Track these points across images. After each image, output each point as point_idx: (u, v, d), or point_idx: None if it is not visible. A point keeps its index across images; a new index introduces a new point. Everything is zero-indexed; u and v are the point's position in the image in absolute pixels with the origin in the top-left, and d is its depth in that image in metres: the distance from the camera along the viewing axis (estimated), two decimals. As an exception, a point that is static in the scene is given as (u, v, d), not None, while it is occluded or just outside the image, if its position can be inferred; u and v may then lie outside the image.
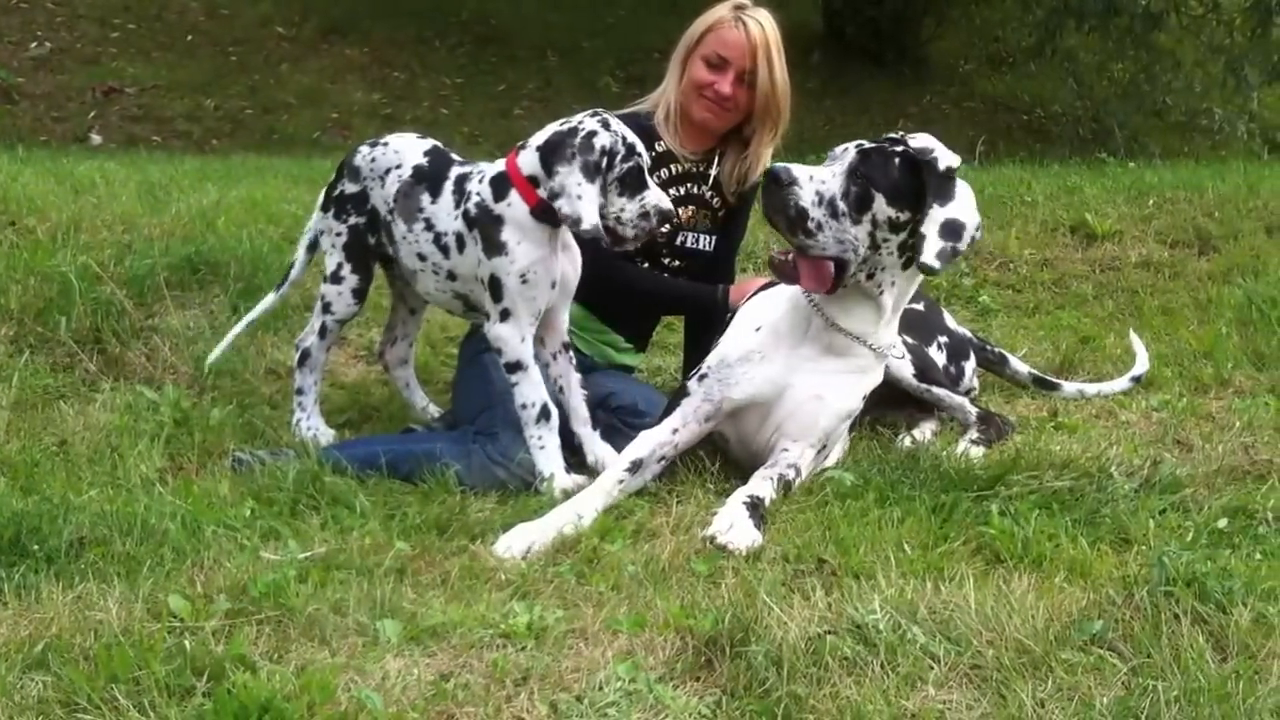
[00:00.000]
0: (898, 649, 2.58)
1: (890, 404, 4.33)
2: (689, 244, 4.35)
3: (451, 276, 3.91)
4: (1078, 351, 5.04)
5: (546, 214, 3.72)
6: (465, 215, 3.83)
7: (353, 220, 4.06)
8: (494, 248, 3.74)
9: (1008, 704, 2.45)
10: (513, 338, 3.75)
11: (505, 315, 3.75)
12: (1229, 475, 3.75)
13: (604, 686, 2.49)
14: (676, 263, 4.35)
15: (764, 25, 4.21)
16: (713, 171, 4.35)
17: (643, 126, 4.18)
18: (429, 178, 3.95)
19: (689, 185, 4.34)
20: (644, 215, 3.71)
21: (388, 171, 4.01)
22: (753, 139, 4.33)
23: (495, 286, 3.75)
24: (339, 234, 4.08)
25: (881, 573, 2.96)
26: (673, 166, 4.30)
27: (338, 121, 11.68)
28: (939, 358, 4.40)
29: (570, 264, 3.88)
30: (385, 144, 4.10)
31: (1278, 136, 12.11)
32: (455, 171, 3.95)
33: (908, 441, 4.15)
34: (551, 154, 3.71)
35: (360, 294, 4.12)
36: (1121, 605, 2.78)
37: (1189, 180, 7.09)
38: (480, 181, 3.83)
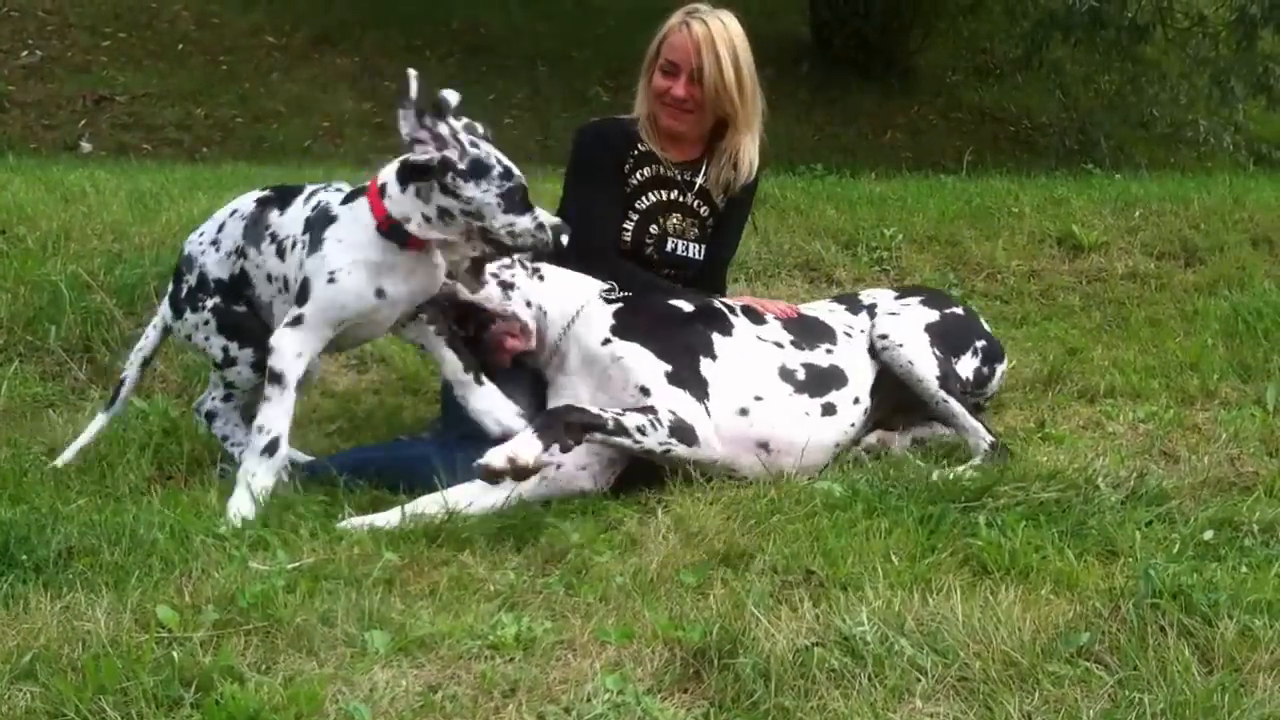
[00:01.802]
0: (885, 661, 2.59)
1: (901, 408, 4.30)
2: (679, 251, 4.37)
3: (286, 287, 3.76)
4: (1065, 362, 5.05)
5: (395, 231, 3.61)
6: (305, 220, 3.72)
7: (210, 303, 3.86)
8: (315, 245, 3.63)
9: (995, 716, 2.46)
10: (290, 347, 3.59)
11: (297, 321, 3.60)
12: (1215, 487, 3.76)
13: (592, 698, 2.49)
14: (666, 270, 4.37)
15: (709, 23, 4.22)
16: (699, 180, 4.37)
17: (626, 132, 4.32)
18: (277, 199, 3.86)
19: (673, 193, 4.36)
20: (539, 228, 3.64)
21: (220, 228, 3.90)
22: (727, 139, 4.35)
23: (303, 288, 3.62)
24: (205, 323, 3.86)
25: (869, 584, 2.96)
26: (653, 167, 4.34)
27: (328, 130, 11.68)
28: (970, 363, 4.32)
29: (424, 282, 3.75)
30: (207, 221, 4.01)
31: (1263, 149, 12.16)
32: (309, 189, 3.86)
33: (873, 439, 4.16)
34: (409, 174, 3.62)
35: (260, 365, 3.76)
36: (1108, 617, 2.79)
37: (1175, 192, 7.12)
38: (334, 192, 3.78)
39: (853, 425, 4.11)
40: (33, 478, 3.67)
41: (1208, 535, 3.33)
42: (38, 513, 3.25)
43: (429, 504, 3.54)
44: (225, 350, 3.86)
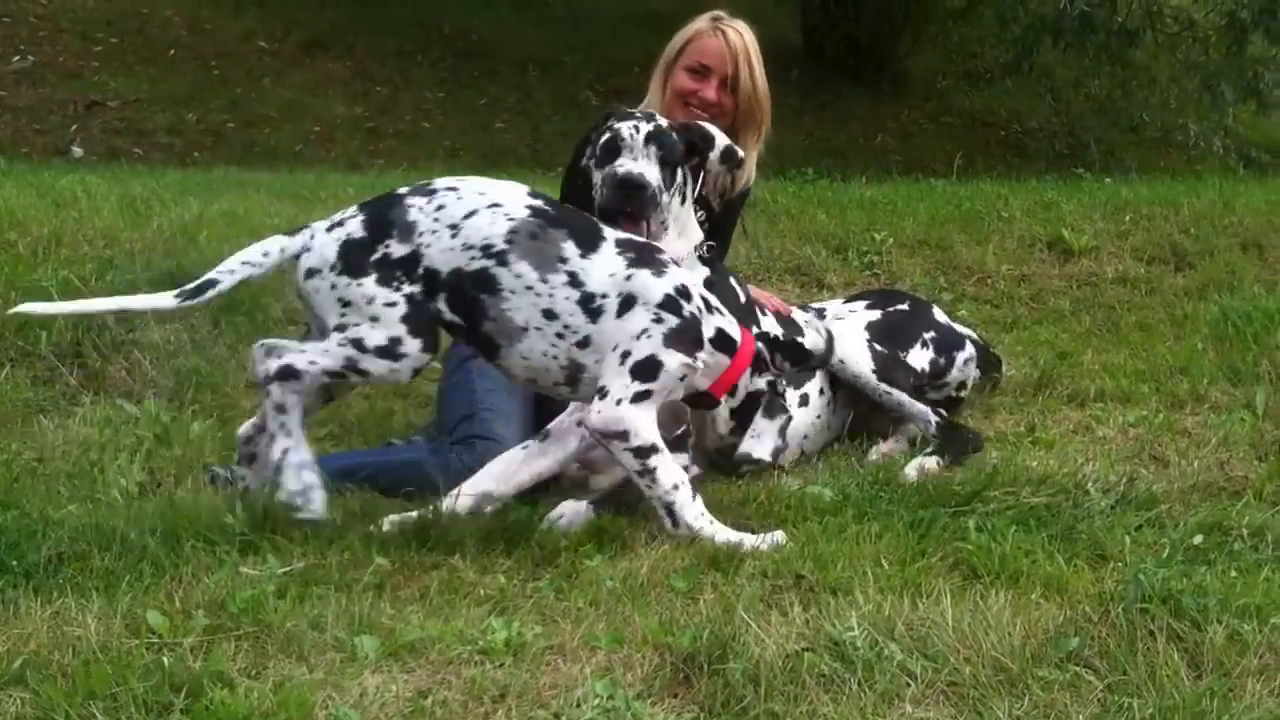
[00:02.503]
0: (875, 666, 2.59)
1: (859, 415, 4.44)
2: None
3: (582, 341, 3.48)
4: (1055, 367, 5.07)
5: None
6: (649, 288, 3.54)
7: (408, 290, 3.41)
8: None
9: (984, 721, 2.47)
10: (648, 421, 3.44)
11: (644, 397, 3.46)
12: (1205, 491, 3.77)
13: (582, 704, 2.49)
14: None
15: (742, 34, 4.34)
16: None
17: None
18: (572, 232, 3.52)
19: None
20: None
21: (469, 215, 3.48)
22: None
23: (648, 363, 3.47)
24: (389, 304, 3.39)
25: (859, 589, 2.96)
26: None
27: (320, 135, 11.66)
28: (922, 355, 4.45)
29: None
30: (433, 192, 3.54)
31: (1253, 152, 12.18)
32: (613, 235, 3.58)
33: (874, 456, 4.21)
34: None
35: (416, 372, 3.49)
36: (1097, 622, 2.79)
37: (1165, 196, 7.13)
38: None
39: (819, 417, 4.30)
40: (23, 483, 3.67)
41: (1197, 540, 3.34)
42: (28, 518, 3.24)
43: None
44: (394, 341, 3.40)
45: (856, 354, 4.32)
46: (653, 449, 3.39)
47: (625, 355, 3.39)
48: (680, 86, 4.33)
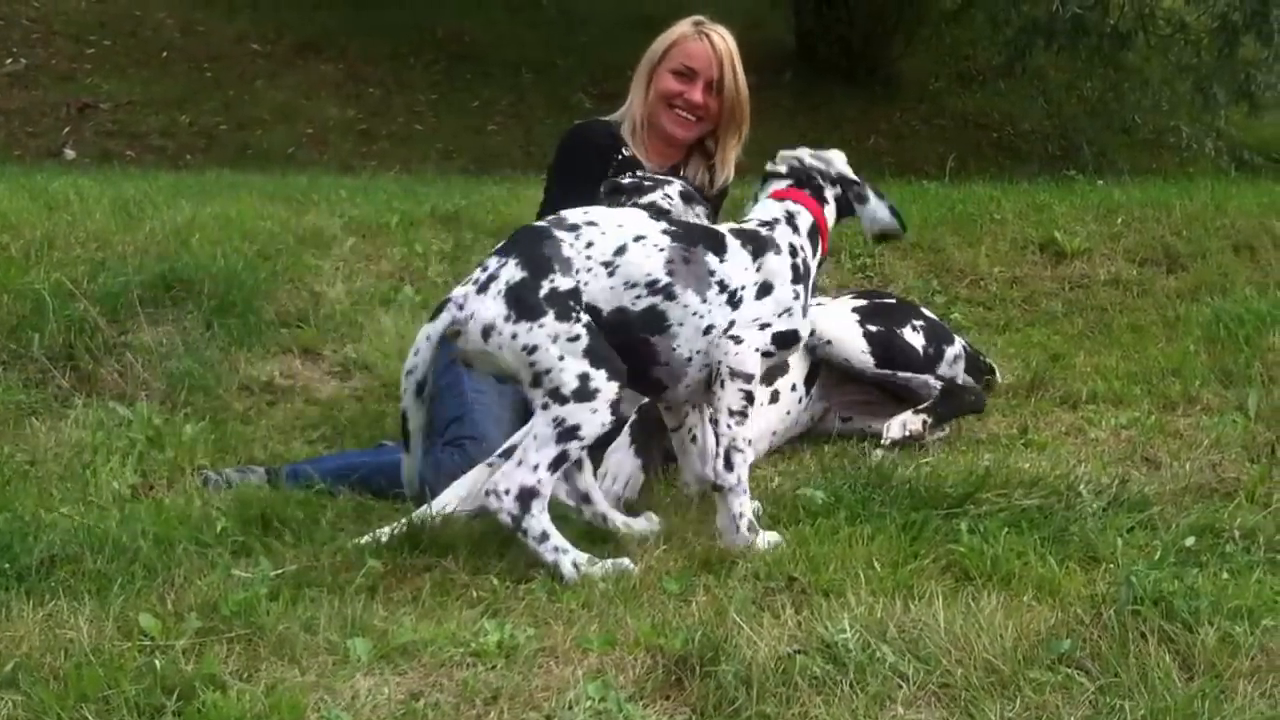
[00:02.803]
0: (867, 668, 2.60)
1: (860, 403, 4.49)
2: None
3: None
4: (1047, 369, 5.07)
5: None
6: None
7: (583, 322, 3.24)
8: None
9: (976, 722, 2.48)
10: None
11: None
12: (1197, 493, 3.77)
13: (574, 706, 2.49)
14: None
15: (725, 38, 4.39)
16: None
17: (612, 134, 4.41)
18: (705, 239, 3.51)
19: None
20: None
21: (621, 251, 3.34)
22: (717, 147, 4.48)
23: None
24: (573, 339, 3.21)
25: (851, 591, 2.97)
26: (636, 173, 4.37)
27: (313, 137, 11.67)
28: (915, 337, 4.51)
29: None
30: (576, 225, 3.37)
31: (1245, 154, 12.21)
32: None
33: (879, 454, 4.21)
34: None
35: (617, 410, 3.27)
36: (1089, 624, 2.80)
37: (1157, 198, 7.14)
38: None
39: (788, 413, 4.35)
40: (15, 485, 3.66)
41: (1189, 541, 3.34)
42: (20, 520, 3.24)
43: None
44: (583, 378, 3.19)
45: (842, 336, 4.40)
46: (752, 401, 3.40)
47: (764, 326, 3.44)
48: (666, 89, 4.36)
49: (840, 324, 4.44)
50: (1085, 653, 2.69)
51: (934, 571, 3.15)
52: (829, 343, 4.38)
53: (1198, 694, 2.52)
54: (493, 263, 3.29)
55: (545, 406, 3.19)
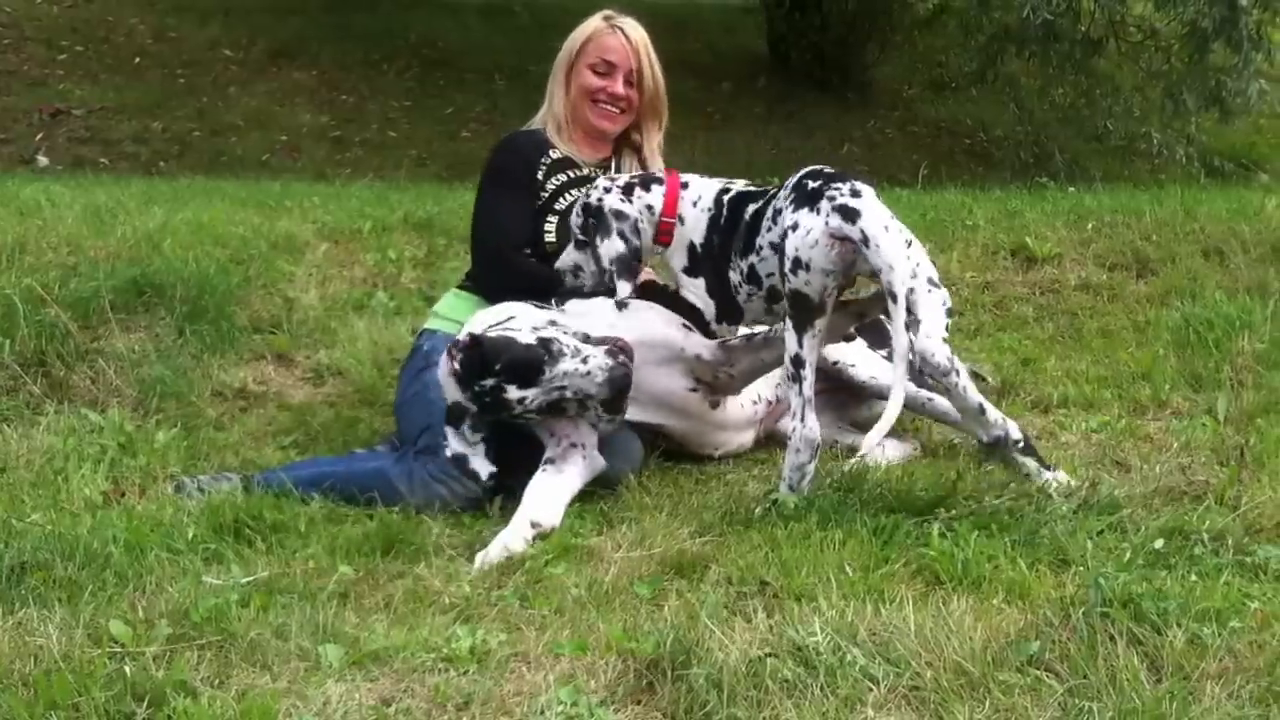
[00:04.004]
0: (837, 671, 2.61)
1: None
2: None
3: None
4: (1019, 373, 5.10)
5: None
6: None
7: None
8: None
9: (945, 725, 2.49)
10: None
11: None
12: (1166, 496, 3.79)
13: (545, 711, 2.50)
14: None
15: (636, 29, 4.48)
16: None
17: (537, 141, 4.44)
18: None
19: None
20: None
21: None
22: (643, 139, 4.54)
23: None
24: None
25: (823, 595, 2.98)
26: (569, 171, 4.43)
27: (286, 144, 11.64)
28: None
29: None
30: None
31: (1215, 161, 12.28)
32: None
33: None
34: None
35: None
36: (1058, 626, 2.81)
37: (1127, 204, 7.17)
38: None
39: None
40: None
41: (1158, 544, 3.35)
42: (-11, 528, 3.23)
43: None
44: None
45: (878, 368, 4.36)
46: None
47: None
48: (587, 84, 4.42)
49: (870, 361, 4.42)
50: (1054, 655, 2.71)
51: (905, 575, 3.16)
52: (873, 378, 4.36)
53: (1165, 695, 2.54)
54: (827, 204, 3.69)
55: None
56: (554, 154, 4.41)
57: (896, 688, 2.59)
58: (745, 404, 4.30)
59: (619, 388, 3.69)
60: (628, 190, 4.08)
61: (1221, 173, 11.86)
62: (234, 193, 7.61)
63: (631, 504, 3.71)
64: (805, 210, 3.64)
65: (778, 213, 3.75)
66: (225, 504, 3.59)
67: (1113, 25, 11.63)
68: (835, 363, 4.33)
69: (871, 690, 2.57)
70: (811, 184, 3.72)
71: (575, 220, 4.13)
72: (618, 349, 3.71)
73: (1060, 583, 3.13)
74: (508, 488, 3.76)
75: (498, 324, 3.78)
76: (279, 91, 12.54)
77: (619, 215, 4.03)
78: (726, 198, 4.05)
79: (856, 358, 4.38)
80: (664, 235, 4.05)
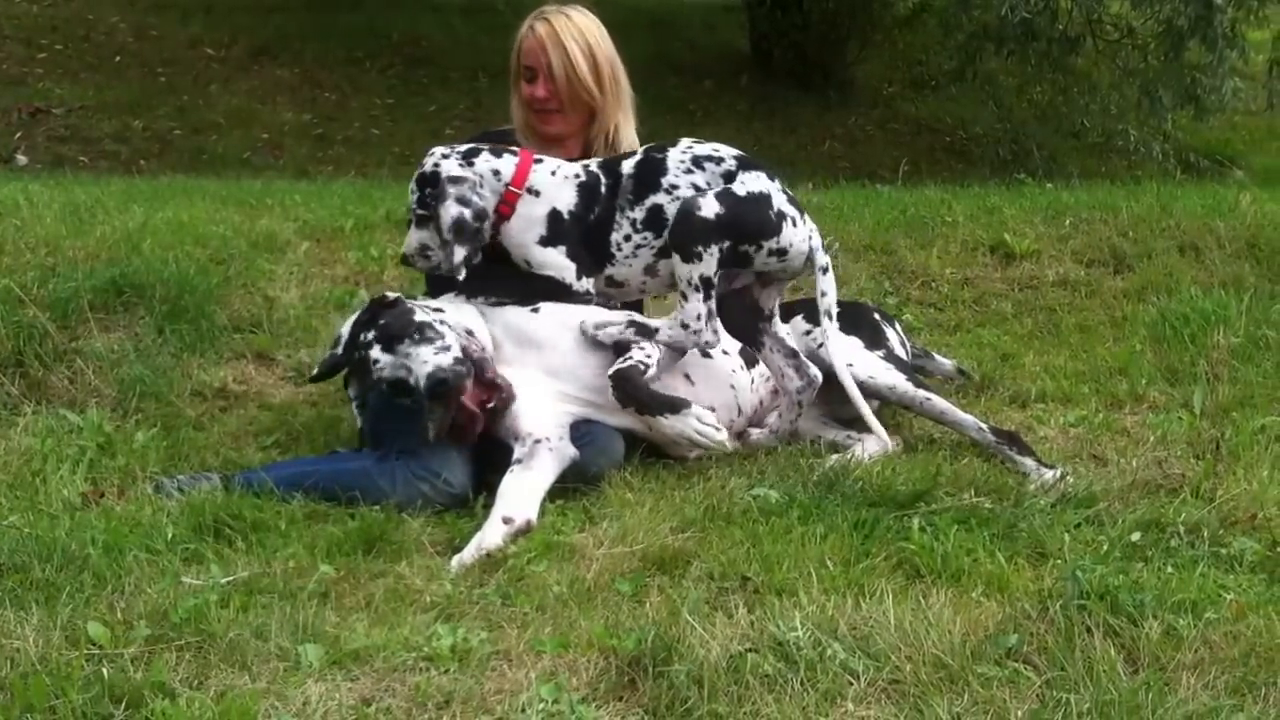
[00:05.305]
0: (818, 666, 2.62)
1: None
2: None
3: None
4: (997, 368, 5.11)
5: None
6: None
7: None
8: None
9: (924, 718, 2.50)
10: None
11: None
12: (1143, 489, 3.81)
13: (527, 708, 2.51)
14: None
15: (552, 20, 4.38)
16: None
17: (506, 143, 4.36)
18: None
19: None
20: None
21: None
22: (613, 132, 4.49)
23: None
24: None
25: (803, 589, 2.99)
26: None
27: (268, 142, 11.62)
28: (894, 338, 4.60)
29: None
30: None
31: (1191, 157, 12.35)
32: None
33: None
34: None
35: None
36: (1036, 619, 2.84)
37: (1104, 201, 7.20)
38: None
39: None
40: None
41: (1135, 537, 3.39)
42: (-33, 530, 3.22)
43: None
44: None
45: (878, 369, 4.34)
46: None
47: None
48: (521, 94, 4.44)
49: (866, 360, 4.38)
50: (1032, 647, 2.73)
51: (885, 569, 3.18)
52: (871, 377, 4.31)
53: (1142, 686, 2.56)
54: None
55: None
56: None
57: (876, 681, 2.60)
58: (723, 414, 4.26)
59: (434, 390, 3.70)
60: (469, 155, 4.04)
61: (1197, 169, 11.95)
62: (215, 191, 7.58)
63: (613, 500, 3.71)
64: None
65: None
66: (205, 504, 3.57)
67: (1090, 24, 11.71)
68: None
69: (851, 684, 2.59)
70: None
71: (412, 196, 4.04)
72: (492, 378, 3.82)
73: (1038, 575, 3.15)
74: (489, 486, 3.76)
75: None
76: (260, 89, 12.52)
77: (455, 180, 3.97)
78: (594, 164, 4.11)
79: (855, 358, 4.37)
80: (505, 206, 4.01)
